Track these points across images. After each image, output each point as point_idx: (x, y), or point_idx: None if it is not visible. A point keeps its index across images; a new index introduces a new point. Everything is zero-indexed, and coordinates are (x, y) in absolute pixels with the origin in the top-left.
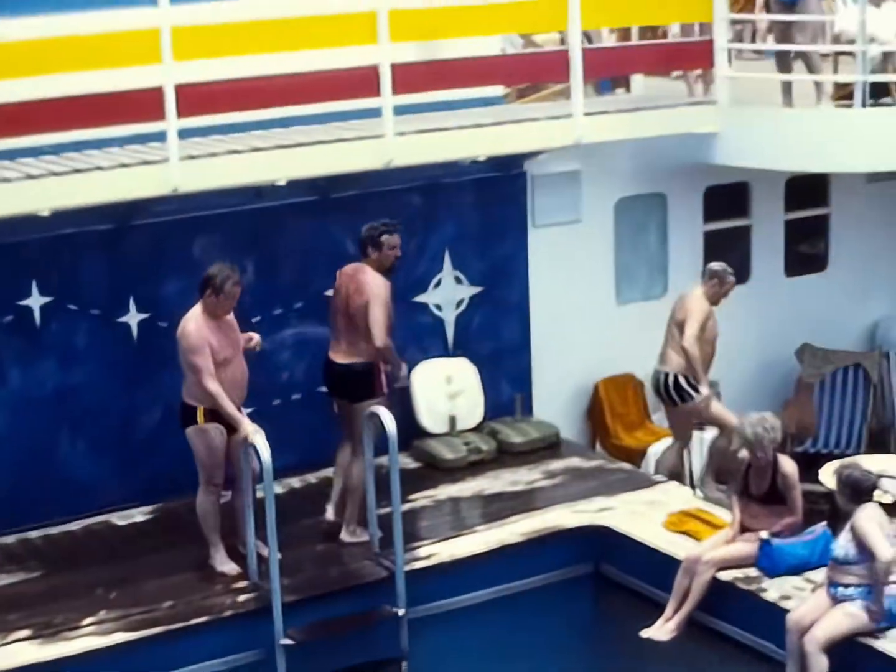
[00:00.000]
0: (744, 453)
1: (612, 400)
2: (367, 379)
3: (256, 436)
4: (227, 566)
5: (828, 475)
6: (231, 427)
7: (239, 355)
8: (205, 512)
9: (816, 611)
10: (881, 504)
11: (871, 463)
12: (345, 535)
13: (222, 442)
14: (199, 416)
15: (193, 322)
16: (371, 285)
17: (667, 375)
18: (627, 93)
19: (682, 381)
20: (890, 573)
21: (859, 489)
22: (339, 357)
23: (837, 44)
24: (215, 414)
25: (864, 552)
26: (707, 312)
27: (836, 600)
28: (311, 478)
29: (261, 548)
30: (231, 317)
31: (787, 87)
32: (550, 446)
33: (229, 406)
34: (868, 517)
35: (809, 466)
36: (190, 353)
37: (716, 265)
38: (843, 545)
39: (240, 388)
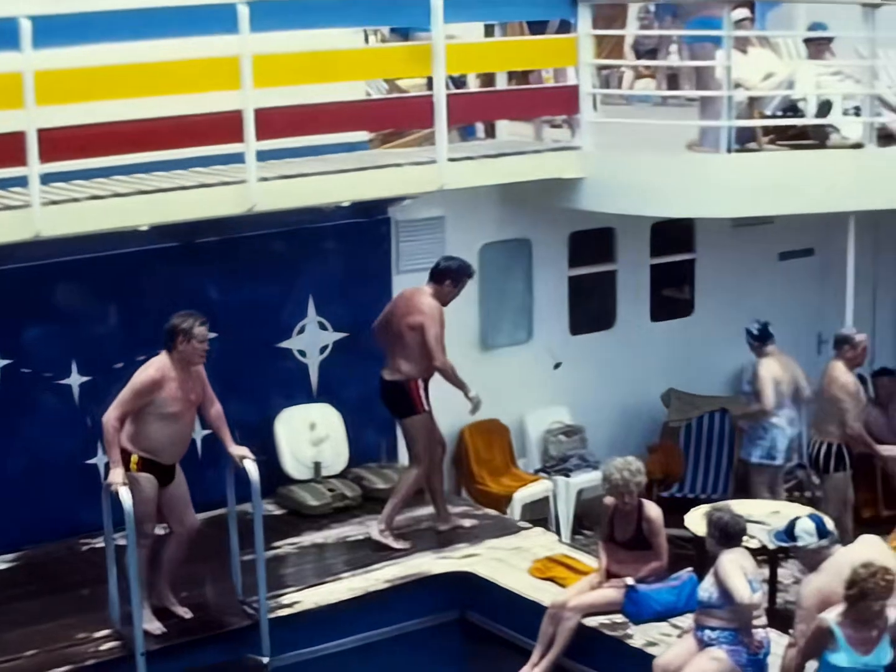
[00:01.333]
0: (609, 499)
1: (478, 446)
2: (406, 395)
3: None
4: (151, 624)
5: (694, 520)
6: (164, 478)
7: (192, 412)
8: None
9: (683, 656)
10: (748, 549)
11: (738, 508)
12: (373, 532)
13: (153, 492)
14: (132, 464)
15: (155, 367)
16: (427, 306)
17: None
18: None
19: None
20: (752, 617)
21: (728, 533)
22: (387, 374)
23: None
24: (149, 463)
25: (727, 596)
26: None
27: (702, 643)
28: None
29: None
30: (201, 370)
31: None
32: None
33: (112, 449)
34: (730, 560)
35: (675, 511)
36: (127, 390)
37: (845, 330)
38: (707, 588)
39: (181, 445)
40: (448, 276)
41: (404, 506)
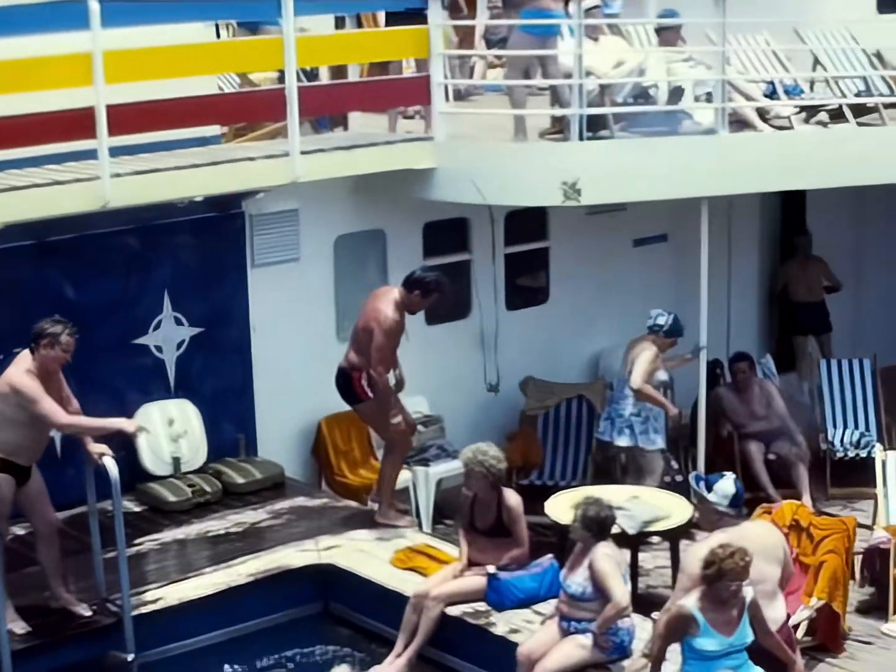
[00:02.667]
0: (467, 489)
1: (336, 438)
2: (349, 384)
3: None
4: (15, 624)
5: (553, 507)
6: (21, 478)
7: None
8: None
9: (546, 643)
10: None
11: (598, 494)
12: (377, 517)
13: (10, 492)
14: None
15: (27, 374)
16: (383, 315)
17: None
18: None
19: None
20: (622, 616)
21: (605, 527)
22: (342, 362)
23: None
24: (6, 464)
25: (602, 592)
26: None
27: (567, 633)
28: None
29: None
30: (60, 375)
31: (519, 123)
32: (275, 486)
33: (90, 422)
34: (606, 556)
35: (535, 498)
36: (33, 406)
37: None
38: (580, 583)
39: (40, 446)
40: (418, 287)
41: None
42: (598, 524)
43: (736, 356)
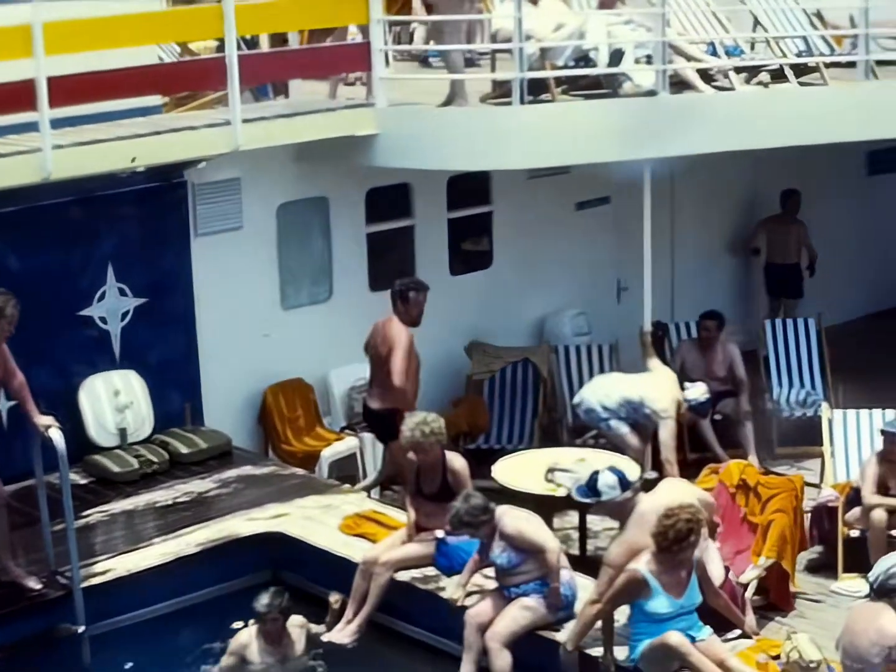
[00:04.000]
0: (412, 454)
1: (282, 406)
2: (392, 425)
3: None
4: None
5: (500, 471)
6: None
7: None
8: None
9: (495, 607)
10: (556, 497)
11: (545, 456)
12: None
13: None
14: None
15: None
16: (395, 332)
17: None
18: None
19: None
20: (559, 560)
21: (465, 522)
22: (373, 403)
23: (494, 42)
24: None
25: (524, 552)
26: None
27: (510, 600)
28: None
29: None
30: (5, 348)
31: (458, 87)
32: (222, 455)
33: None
34: (512, 518)
35: (482, 462)
36: None
37: None
38: (500, 554)
39: None
40: (396, 299)
41: None
42: (479, 510)
43: (705, 313)
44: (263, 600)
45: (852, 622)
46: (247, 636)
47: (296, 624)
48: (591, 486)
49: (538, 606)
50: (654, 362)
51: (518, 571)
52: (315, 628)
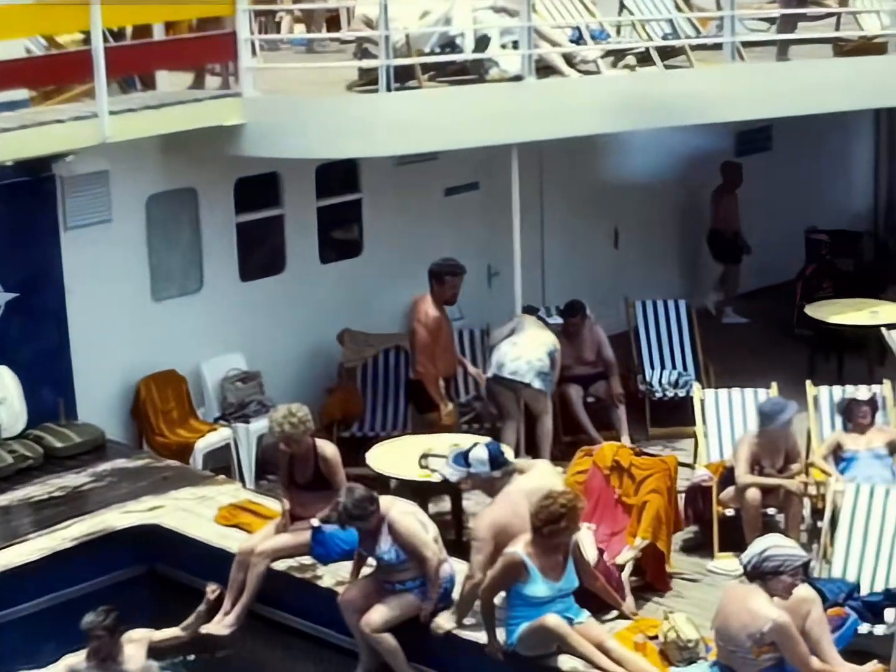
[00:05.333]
0: (284, 445)
1: (155, 398)
2: (419, 394)
3: None
4: None
5: (374, 458)
6: None
7: None
8: None
9: (368, 593)
10: (432, 483)
11: (419, 442)
12: None
13: None
14: None
15: None
16: (421, 313)
17: None
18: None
19: None
20: (439, 566)
21: (352, 515)
22: (411, 373)
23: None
24: None
25: (412, 552)
26: None
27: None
28: None
29: None
30: None
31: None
32: (96, 448)
33: None
34: (402, 513)
35: (357, 450)
36: None
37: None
38: (387, 549)
39: None
40: (432, 278)
41: None
42: (360, 511)
43: (566, 309)
44: (87, 618)
45: (725, 604)
46: (76, 658)
47: (133, 639)
48: (466, 457)
49: (415, 598)
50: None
51: (403, 568)
52: (160, 635)
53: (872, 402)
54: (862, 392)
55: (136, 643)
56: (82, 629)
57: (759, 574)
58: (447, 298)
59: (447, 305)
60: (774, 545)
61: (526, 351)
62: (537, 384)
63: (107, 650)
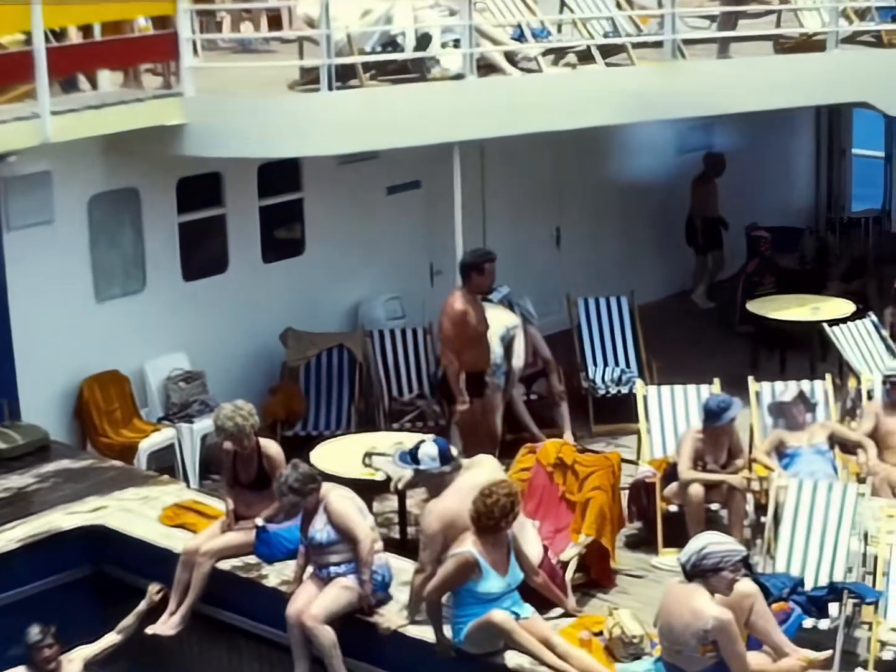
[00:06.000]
0: (227, 443)
1: (99, 398)
2: (444, 387)
3: None
4: None
5: (318, 456)
6: None
7: None
8: None
9: (312, 596)
10: (376, 482)
11: (363, 441)
12: None
13: None
14: None
15: None
16: (447, 306)
17: None
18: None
19: None
20: (373, 550)
21: (295, 489)
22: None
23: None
24: None
25: (345, 533)
26: None
27: (328, 580)
28: None
29: None
30: None
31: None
32: (40, 449)
33: None
34: (340, 497)
35: (301, 449)
36: None
37: None
38: (321, 529)
39: None
40: (469, 270)
41: None
42: (300, 485)
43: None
44: (30, 634)
45: (667, 604)
46: None
47: (71, 659)
48: (412, 454)
49: (355, 586)
50: None
51: (334, 550)
52: (94, 649)
53: (804, 400)
54: (789, 392)
55: (73, 662)
56: (27, 644)
57: (700, 572)
58: (485, 287)
59: (484, 295)
60: (711, 542)
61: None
62: (493, 380)
63: (56, 661)
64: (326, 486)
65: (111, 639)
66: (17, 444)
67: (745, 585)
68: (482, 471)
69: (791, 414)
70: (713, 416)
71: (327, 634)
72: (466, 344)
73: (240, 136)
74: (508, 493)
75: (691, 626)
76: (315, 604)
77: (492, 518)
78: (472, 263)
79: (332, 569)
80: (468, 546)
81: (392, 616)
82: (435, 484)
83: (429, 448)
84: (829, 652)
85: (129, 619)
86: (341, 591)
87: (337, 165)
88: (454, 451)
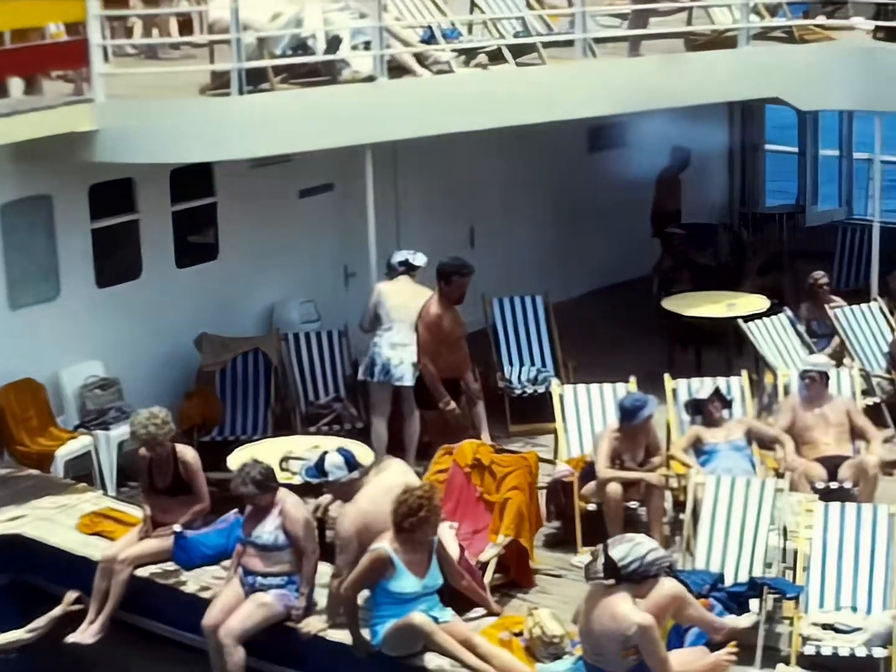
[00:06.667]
0: (143, 449)
1: (14, 406)
2: (418, 391)
3: None
4: None
5: (235, 462)
6: None
7: None
8: None
9: (230, 607)
10: (291, 485)
11: (278, 445)
12: None
13: None
14: None
15: None
16: (424, 312)
17: None
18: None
19: None
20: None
21: (260, 483)
22: None
23: (212, 33)
24: None
25: (292, 537)
26: None
27: (253, 589)
28: None
29: None
30: None
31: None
32: None
33: None
34: (299, 504)
35: (218, 454)
36: None
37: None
38: (271, 531)
39: None
40: (440, 279)
41: None
42: (263, 479)
43: None
44: None
45: (588, 608)
46: None
47: None
48: (318, 467)
49: (274, 603)
50: None
51: (274, 557)
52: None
53: (720, 397)
54: (706, 389)
55: None
56: None
57: (639, 577)
58: (455, 299)
59: (456, 305)
60: (652, 548)
61: (405, 352)
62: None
63: None
64: (283, 491)
65: (18, 634)
66: None
67: (671, 588)
68: (392, 473)
69: (708, 410)
70: (629, 414)
71: (237, 655)
72: (441, 349)
73: (151, 142)
74: (420, 496)
75: (613, 631)
76: (234, 618)
77: (398, 515)
78: (441, 272)
79: (259, 580)
80: (384, 543)
81: (312, 620)
82: (345, 492)
83: (334, 458)
84: (754, 617)
85: (41, 621)
86: (257, 609)
87: (249, 169)
88: (359, 457)
